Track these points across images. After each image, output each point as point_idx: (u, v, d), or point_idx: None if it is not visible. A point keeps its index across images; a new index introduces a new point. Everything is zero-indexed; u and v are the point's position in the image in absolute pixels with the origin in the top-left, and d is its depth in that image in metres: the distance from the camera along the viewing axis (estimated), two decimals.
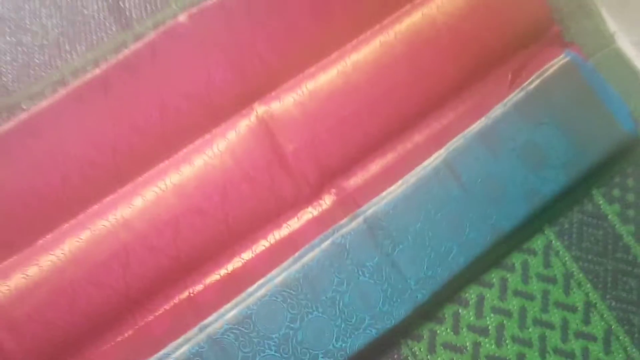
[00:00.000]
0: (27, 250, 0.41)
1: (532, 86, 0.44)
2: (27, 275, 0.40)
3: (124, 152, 0.42)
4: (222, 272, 0.42)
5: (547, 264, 0.44)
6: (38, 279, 0.39)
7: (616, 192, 0.46)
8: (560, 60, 0.45)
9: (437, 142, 0.44)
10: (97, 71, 0.43)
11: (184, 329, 0.40)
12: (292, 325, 0.39)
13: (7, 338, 0.38)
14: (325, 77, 0.44)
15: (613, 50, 0.47)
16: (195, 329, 0.39)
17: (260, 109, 0.43)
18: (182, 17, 0.44)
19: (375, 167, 0.44)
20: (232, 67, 0.44)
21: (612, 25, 0.48)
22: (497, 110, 0.44)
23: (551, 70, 0.45)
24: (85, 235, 0.41)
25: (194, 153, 0.43)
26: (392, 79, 0.45)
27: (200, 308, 0.41)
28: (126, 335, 0.40)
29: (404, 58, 0.45)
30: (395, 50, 0.45)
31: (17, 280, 0.39)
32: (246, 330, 0.39)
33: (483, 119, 0.43)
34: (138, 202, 0.41)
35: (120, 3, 0.45)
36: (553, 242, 0.44)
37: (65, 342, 0.39)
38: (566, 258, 0.44)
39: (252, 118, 0.43)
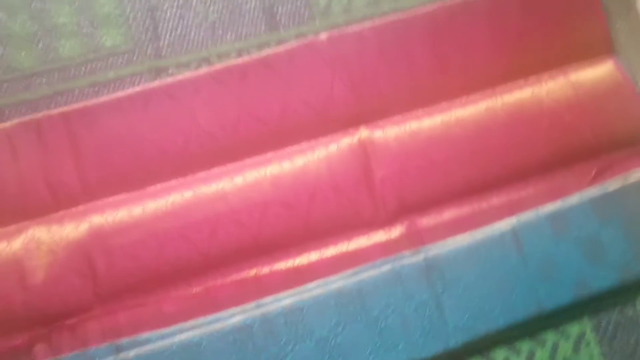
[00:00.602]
0: (138, 193, 0.48)
1: (611, 188, 0.49)
2: (132, 213, 0.47)
3: (241, 134, 0.49)
4: (289, 263, 0.48)
5: (576, 350, 0.48)
6: (139, 218, 0.47)
7: None
8: None
9: (510, 210, 0.49)
10: (240, 60, 0.50)
11: (243, 300, 0.46)
12: (335, 328, 0.45)
13: (101, 261, 0.46)
14: (429, 122, 0.50)
15: None
16: (252, 304, 0.45)
17: (364, 133, 0.50)
18: (322, 35, 0.51)
19: (449, 214, 0.49)
20: (352, 90, 0.50)
21: None
22: (573, 199, 0.48)
23: (633, 179, 0.49)
24: (188, 194, 0.48)
25: (297, 153, 0.49)
26: (487, 142, 0.50)
27: (262, 287, 0.47)
28: (195, 291, 0.47)
29: (504, 127, 0.50)
30: (497, 118, 0.50)
31: (122, 214, 0.47)
32: (295, 319, 0.45)
33: (558, 202, 0.48)
34: (239, 180, 0.48)
35: (274, 8, 0.52)
36: (587, 333, 0.48)
37: (145, 280, 0.46)
38: (595, 351, 0.48)
39: (355, 138, 0.49)
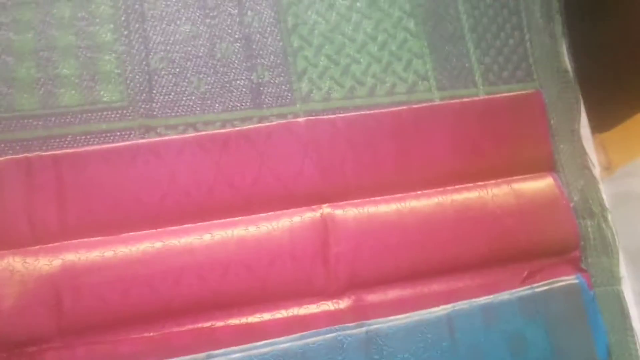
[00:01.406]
0: (112, 238, 0.55)
1: (539, 289, 0.58)
2: (103, 256, 0.54)
3: (215, 196, 0.57)
4: (243, 320, 0.55)
5: None
6: (110, 261, 0.54)
7: None
8: (570, 279, 0.59)
9: (447, 297, 0.58)
10: (223, 130, 0.59)
11: (196, 349, 0.53)
12: None
13: (68, 297, 0.52)
14: (385, 208, 0.59)
15: (615, 290, 0.60)
16: (203, 355, 0.53)
17: (326, 210, 0.58)
18: (300, 119, 0.60)
19: (393, 294, 0.57)
20: (320, 171, 0.59)
21: (623, 270, 0.62)
22: (504, 296, 0.57)
23: (559, 284, 0.59)
24: (158, 245, 0.55)
25: (263, 220, 0.57)
26: (434, 233, 0.59)
27: (215, 339, 0.54)
28: (152, 335, 0.54)
29: (450, 222, 0.59)
30: (446, 213, 0.60)
31: (94, 255, 0.54)
32: None
33: (491, 297, 0.57)
34: (207, 237, 0.56)
35: (261, 88, 0.62)
36: None
37: (107, 320, 0.53)
38: None
39: (317, 214, 0.58)
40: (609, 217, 0.60)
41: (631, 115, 0.61)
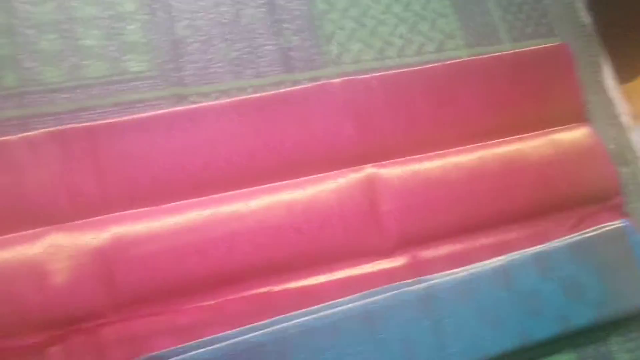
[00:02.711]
0: (156, 209, 0.57)
1: (587, 235, 0.62)
2: (151, 227, 0.56)
3: (257, 162, 0.60)
4: (300, 283, 0.58)
5: None
6: (158, 232, 0.56)
7: (630, 345, 0.63)
8: (616, 224, 0.64)
9: (498, 250, 0.62)
10: (257, 95, 0.62)
11: (254, 316, 0.56)
12: (346, 349, 0.55)
13: (120, 270, 0.54)
14: (429, 165, 0.63)
15: None
16: (265, 322, 0.55)
17: (369, 170, 0.61)
18: (335, 80, 0.64)
19: (445, 249, 0.61)
20: (359, 132, 0.62)
21: None
22: (555, 243, 0.61)
23: (607, 229, 0.63)
24: (205, 213, 0.57)
25: (307, 183, 0.60)
26: (479, 187, 0.63)
27: (273, 304, 0.56)
28: (208, 304, 0.56)
29: (494, 176, 0.63)
30: (489, 167, 0.64)
31: (142, 227, 0.56)
32: (306, 340, 0.55)
33: (543, 246, 0.61)
34: (254, 204, 0.59)
35: (291, 53, 0.65)
36: None
37: (161, 291, 0.54)
38: None
39: (362, 174, 0.61)
40: None
41: None
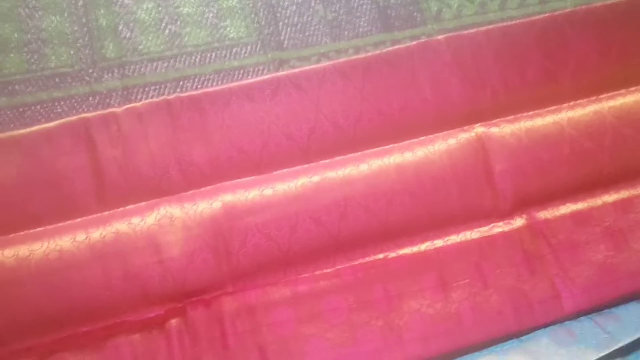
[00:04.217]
0: (266, 176, 0.55)
1: None
2: (263, 194, 0.54)
3: (363, 125, 0.56)
4: (415, 249, 0.55)
5: None
6: (270, 199, 0.53)
7: None
8: None
9: (620, 208, 0.58)
10: (362, 55, 0.59)
11: (368, 283, 0.53)
12: None
13: (235, 239, 0.51)
14: (542, 122, 0.59)
15: None
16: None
17: (479, 130, 0.58)
18: (440, 37, 0.60)
19: (564, 209, 0.58)
20: (467, 90, 0.59)
21: None
22: None
23: None
24: (315, 179, 0.55)
25: (417, 145, 0.57)
26: (596, 142, 0.59)
27: (390, 270, 0.54)
28: (324, 271, 0.54)
29: (613, 130, 0.59)
30: (605, 120, 0.60)
31: (254, 194, 0.53)
32: None
33: None
34: (364, 168, 0.56)
35: (389, 12, 0.62)
36: None
37: (277, 260, 0.53)
38: None
39: (472, 134, 0.58)
40: None
41: None
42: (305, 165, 0.53)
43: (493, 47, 0.57)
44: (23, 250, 0.47)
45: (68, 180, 0.49)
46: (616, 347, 0.47)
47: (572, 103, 0.57)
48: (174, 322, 0.48)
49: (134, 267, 0.47)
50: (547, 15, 0.58)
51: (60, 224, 0.49)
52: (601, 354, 0.47)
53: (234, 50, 0.54)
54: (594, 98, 0.58)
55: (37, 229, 0.48)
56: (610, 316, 0.50)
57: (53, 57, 0.52)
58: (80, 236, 0.48)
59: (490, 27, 0.57)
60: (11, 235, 0.48)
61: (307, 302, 0.49)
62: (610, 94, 0.58)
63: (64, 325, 0.47)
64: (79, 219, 0.49)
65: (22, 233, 0.48)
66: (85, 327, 0.47)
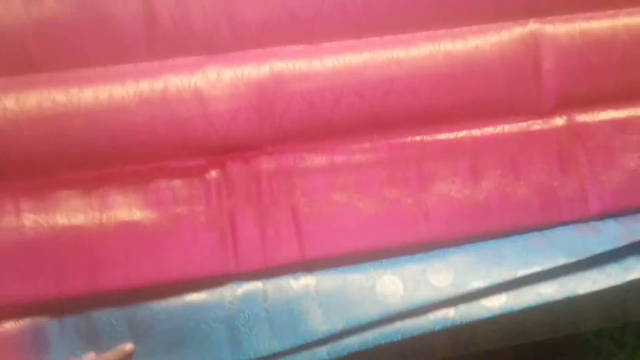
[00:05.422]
0: (315, 47, 0.55)
1: None
2: (311, 64, 0.54)
3: (419, 5, 0.56)
4: (451, 135, 0.56)
5: None
6: (318, 70, 0.52)
7: None
8: None
9: None
10: None
11: (403, 161, 0.55)
12: None
13: (280, 103, 0.52)
14: (598, 24, 0.58)
15: None
16: None
17: (534, 26, 0.57)
18: None
19: (604, 115, 0.58)
20: None
21: None
22: None
23: None
24: (365, 55, 0.55)
25: (469, 34, 0.57)
26: None
27: (425, 153, 0.55)
28: (361, 146, 0.55)
29: None
30: None
31: (302, 64, 0.53)
32: None
33: None
34: (413, 51, 0.55)
35: None
36: None
37: (318, 128, 0.53)
38: None
39: (526, 29, 0.57)
40: None
41: None
42: (356, 40, 0.52)
43: None
44: (74, 88, 0.48)
45: (121, 24, 0.49)
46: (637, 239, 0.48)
47: (630, 9, 0.56)
48: (213, 173, 0.50)
49: (179, 117, 0.49)
50: None
51: (111, 68, 0.49)
52: (621, 244, 0.48)
53: None
54: None
55: (89, 70, 0.48)
56: (635, 218, 0.51)
57: None
58: (130, 82, 0.49)
59: None
60: (64, 73, 0.48)
61: (342, 172, 0.51)
62: None
63: (107, 162, 0.49)
64: (129, 66, 0.49)
65: (74, 72, 0.48)
66: (128, 167, 0.48)
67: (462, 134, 0.53)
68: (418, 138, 0.52)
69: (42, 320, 0.48)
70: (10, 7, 0.47)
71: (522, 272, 0.49)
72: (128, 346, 0.46)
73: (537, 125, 0.54)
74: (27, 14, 0.47)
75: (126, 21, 0.49)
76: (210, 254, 0.49)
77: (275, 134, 0.50)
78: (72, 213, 0.48)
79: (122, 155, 0.48)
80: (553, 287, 0.49)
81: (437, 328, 0.49)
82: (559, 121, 0.54)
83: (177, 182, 0.49)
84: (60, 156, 0.47)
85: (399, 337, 0.48)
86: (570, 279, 0.50)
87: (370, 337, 0.49)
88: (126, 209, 0.49)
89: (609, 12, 0.56)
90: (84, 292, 0.47)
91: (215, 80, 0.50)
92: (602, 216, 0.52)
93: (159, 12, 0.49)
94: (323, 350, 0.48)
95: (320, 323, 0.48)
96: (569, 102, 0.54)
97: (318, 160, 0.51)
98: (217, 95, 0.49)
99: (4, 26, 0.47)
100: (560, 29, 0.54)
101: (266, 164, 0.50)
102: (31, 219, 0.47)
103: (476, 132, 0.53)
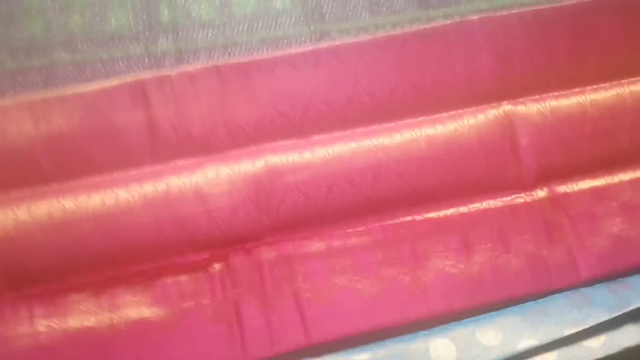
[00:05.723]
0: (305, 140, 0.59)
1: None
2: (302, 156, 0.58)
3: (398, 97, 0.60)
4: (441, 214, 0.59)
5: None
6: (309, 161, 0.57)
7: None
8: None
9: (636, 187, 0.62)
10: (399, 31, 0.64)
11: (397, 242, 0.58)
12: None
13: (276, 195, 0.56)
14: (567, 102, 0.63)
15: None
16: None
17: (507, 107, 0.62)
18: (474, 17, 0.65)
19: (583, 184, 0.62)
20: (497, 69, 0.62)
21: None
22: None
23: None
24: (351, 145, 0.59)
25: (447, 118, 0.61)
26: (617, 124, 0.63)
27: (416, 233, 0.59)
28: (356, 230, 0.59)
29: (631, 111, 0.64)
30: (626, 104, 0.63)
31: (294, 156, 0.57)
32: None
33: None
34: (397, 137, 0.60)
35: None
36: None
37: (314, 216, 0.57)
38: None
39: (500, 111, 0.61)
40: None
41: None
42: (343, 132, 0.57)
43: (524, 29, 0.60)
44: (82, 195, 0.51)
45: (125, 134, 0.53)
46: (628, 310, 0.51)
47: (595, 86, 0.61)
48: (217, 266, 0.52)
49: (182, 215, 0.52)
50: (577, 1, 0.61)
51: (116, 174, 0.53)
52: (613, 315, 0.51)
53: (278, 20, 0.59)
54: (616, 82, 0.61)
55: (96, 178, 0.52)
56: (623, 284, 0.54)
57: (113, 20, 0.56)
58: (135, 186, 0.52)
59: (522, 10, 0.61)
60: (72, 182, 0.51)
61: (339, 256, 0.53)
62: (632, 79, 0.62)
63: (116, 264, 0.51)
64: (133, 171, 0.53)
65: (81, 180, 0.52)
66: (136, 266, 0.51)
67: (451, 211, 0.56)
68: (409, 218, 0.55)
69: None
70: (20, 125, 0.50)
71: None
72: None
73: (520, 198, 0.57)
74: (37, 130, 0.51)
75: (129, 130, 0.53)
76: (218, 345, 0.51)
77: (274, 225, 0.53)
78: (83, 315, 0.50)
79: (130, 256, 0.51)
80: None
81: None
82: (541, 193, 0.57)
83: (182, 278, 0.52)
84: (70, 261, 0.50)
85: None
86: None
87: None
88: (135, 308, 0.51)
89: (576, 89, 0.60)
90: None
91: (214, 178, 0.53)
92: (592, 282, 0.54)
93: (160, 120, 0.53)
94: None
95: None
96: (548, 175, 0.57)
97: (316, 246, 0.53)
98: (217, 192, 0.52)
99: (15, 143, 0.50)
100: (532, 108, 0.58)
101: (267, 253, 0.52)
102: (44, 324, 0.49)
103: (463, 209, 0.56)
